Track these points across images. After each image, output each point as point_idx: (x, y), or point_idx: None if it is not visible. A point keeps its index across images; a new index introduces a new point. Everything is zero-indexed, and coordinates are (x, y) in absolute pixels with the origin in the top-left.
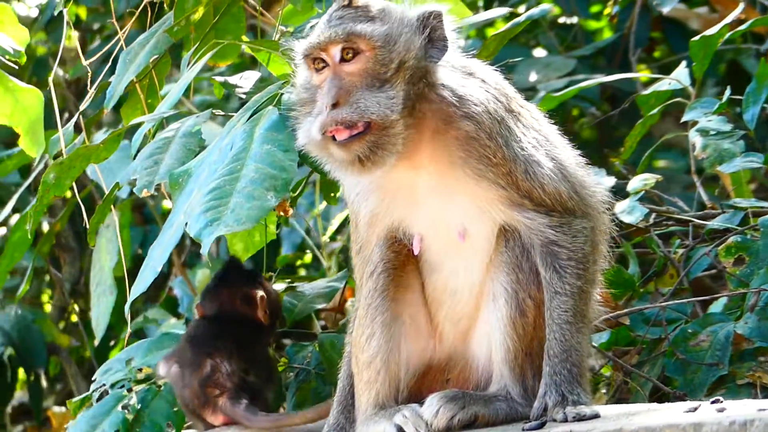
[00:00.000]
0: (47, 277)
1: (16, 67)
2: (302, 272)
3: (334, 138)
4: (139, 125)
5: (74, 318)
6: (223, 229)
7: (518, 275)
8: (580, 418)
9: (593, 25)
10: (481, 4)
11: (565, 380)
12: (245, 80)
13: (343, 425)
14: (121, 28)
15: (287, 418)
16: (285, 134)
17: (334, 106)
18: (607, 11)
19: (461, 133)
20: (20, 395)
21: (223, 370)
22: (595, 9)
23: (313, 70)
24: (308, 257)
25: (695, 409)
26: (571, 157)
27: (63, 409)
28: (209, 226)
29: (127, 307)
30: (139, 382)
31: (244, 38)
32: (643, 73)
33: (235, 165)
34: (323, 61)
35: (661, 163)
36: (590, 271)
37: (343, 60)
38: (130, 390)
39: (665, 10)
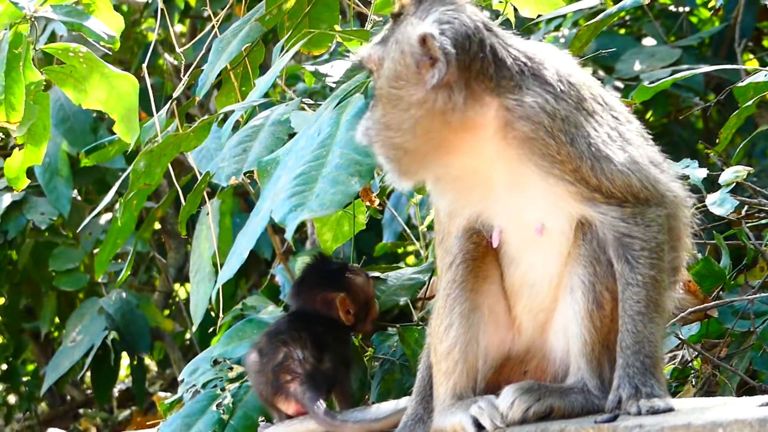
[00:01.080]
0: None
1: (110, 53)
2: (411, 260)
3: None
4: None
5: (179, 303)
6: (307, 214)
7: (596, 268)
8: (654, 411)
9: (703, 14)
10: None
11: (639, 372)
12: (335, 69)
13: (421, 415)
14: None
15: (349, 427)
16: None
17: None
18: (711, 4)
19: (519, 133)
20: (127, 381)
21: (295, 357)
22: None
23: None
24: (411, 246)
25: (767, 403)
26: (645, 150)
27: (168, 394)
28: (293, 211)
29: (213, 292)
30: (231, 380)
31: (337, 27)
32: (746, 63)
33: (321, 151)
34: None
35: None
36: (665, 260)
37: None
38: (223, 389)
39: None
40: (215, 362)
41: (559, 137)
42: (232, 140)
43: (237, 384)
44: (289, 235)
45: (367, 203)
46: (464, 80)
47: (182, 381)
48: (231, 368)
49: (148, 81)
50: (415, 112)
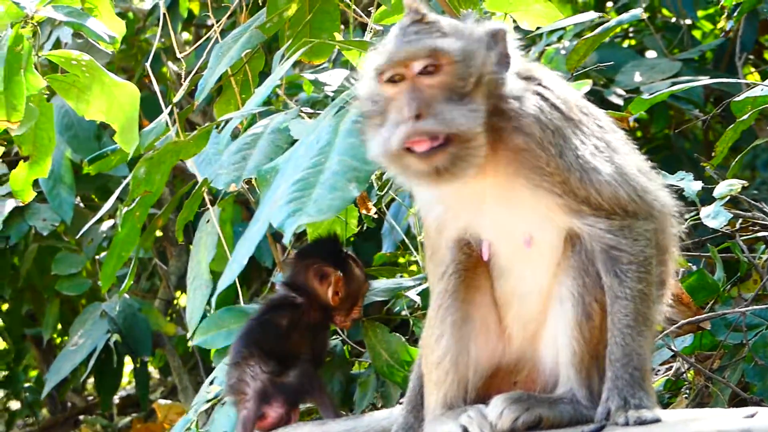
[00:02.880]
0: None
1: (111, 53)
2: (414, 269)
3: (409, 150)
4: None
5: (180, 310)
6: (305, 219)
7: (585, 279)
8: (642, 422)
9: (706, 27)
10: (593, 5)
11: (627, 384)
12: (334, 78)
13: (412, 424)
14: (219, 25)
15: None
16: None
17: (417, 117)
18: (720, 26)
19: (513, 145)
20: (128, 388)
21: (247, 375)
22: (705, 12)
23: (387, 83)
24: (411, 257)
25: (753, 415)
26: (634, 161)
27: (168, 401)
28: (291, 216)
29: (213, 299)
30: (208, 400)
31: (338, 36)
32: (746, 78)
33: (320, 158)
34: (399, 74)
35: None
36: (653, 273)
37: (422, 73)
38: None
39: None
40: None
41: (549, 149)
42: (232, 148)
43: (209, 404)
44: (287, 239)
45: (363, 211)
46: None
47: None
48: (209, 392)
49: (157, 88)
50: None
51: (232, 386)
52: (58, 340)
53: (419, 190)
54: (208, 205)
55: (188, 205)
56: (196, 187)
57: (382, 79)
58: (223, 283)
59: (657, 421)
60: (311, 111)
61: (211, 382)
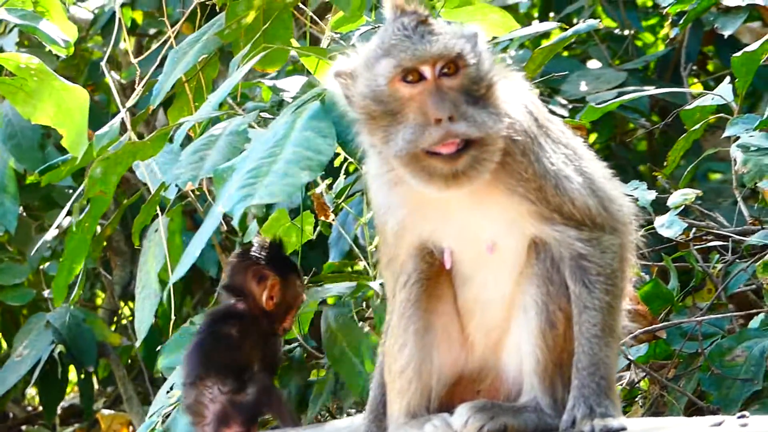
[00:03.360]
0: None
1: (63, 56)
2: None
3: (429, 152)
4: None
5: (124, 321)
6: (255, 201)
7: (548, 288)
8: (607, 430)
9: (648, 38)
10: (536, 15)
11: (594, 393)
12: (292, 84)
13: None
14: (174, 31)
15: None
16: (326, 122)
17: (450, 119)
18: (664, 32)
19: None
20: (69, 398)
21: (205, 396)
22: (648, 23)
23: (401, 83)
24: (359, 265)
25: (720, 423)
26: (599, 170)
27: (112, 411)
28: (242, 200)
29: (164, 294)
30: (171, 404)
31: (294, 43)
32: (690, 88)
33: (275, 149)
34: (419, 74)
35: (716, 176)
36: (619, 287)
37: (442, 75)
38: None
39: (726, 32)
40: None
41: (529, 156)
42: (189, 148)
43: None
44: (235, 221)
45: (322, 217)
46: None
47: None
48: (170, 396)
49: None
50: None
51: (190, 407)
52: None
53: (380, 193)
54: (159, 214)
55: (145, 209)
56: (153, 192)
57: (398, 79)
58: (175, 276)
59: (623, 429)
60: (269, 116)
61: (171, 388)
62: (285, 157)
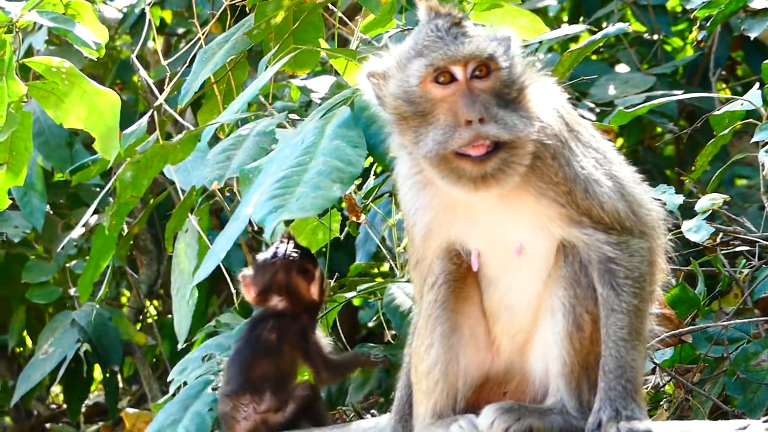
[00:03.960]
0: (125, 279)
1: (95, 59)
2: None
3: (458, 153)
4: None
5: (150, 320)
6: (286, 215)
7: (576, 290)
8: None
9: (677, 42)
10: (566, 18)
11: (620, 396)
12: (321, 84)
13: None
14: (204, 32)
15: None
16: (356, 131)
17: (481, 121)
18: (692, 36)
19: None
20: (94, 396)
21: (240, 412)
22: (677, 28)
23: (433, 84)
24: (384, 266)
25: (745, 427)
26: (628, 174)
27: (136, 410)
28: (273, 212)
29: (189, 288)
30: (221, 371)
31: (323, 44)
32: (719, 93)
33: (304, 158)
34: (451, 75)
35: (742, 181)
36: (647, 290)
37: (474, 77)
38: (216, 373)
39: (753, 35)
40: (204, 359)
41: (560, 160)
42: (217, 148)
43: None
44: (267, 235)
45: (353, 218)
46: None
47: (171, 380)
48: (219, 362)
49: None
50: None
51: (224, 416)
52: (20, 349)
53: (410, 194)
54: (189, 215)
55: (177, 214)
56: (185, 196)
57: (429, 79)
58: (198, 277)
59: None
60: (297, 117)
61: (209, 357)
62: (315, 168)
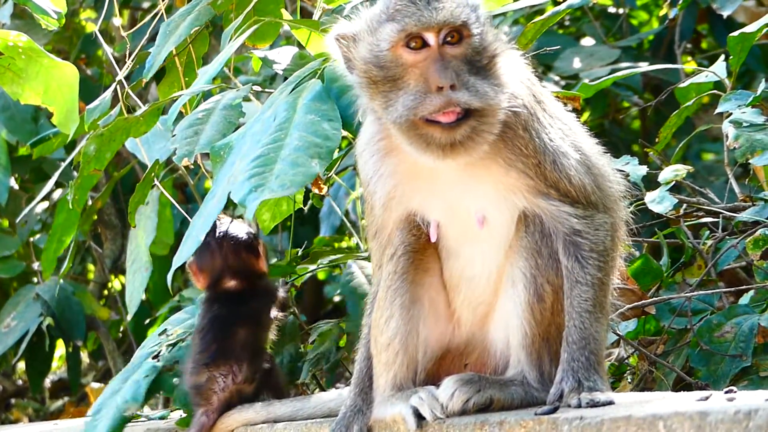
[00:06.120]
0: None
1: (55, 28)
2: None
3: (428, 120)
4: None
5: (114, 294)
6: (267, 194)
7: (537, 260)
8: (594, 404)
9: (642, 16)
10: None
11: (583, 367)
12: (283, 55)
13: (360, 407)
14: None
15: None
16: (329, 104)
17: (452, 87)
18: (662, 12)
19: (503, 124)
20: (60, 372)
21: (218, 384)
22: (642, 1)
23: (404, 48)
24: (351, 241)
25: (707, 398)
26: (592, 146)
27: (101, 385)
28: (254, 191)
29: (169, 276)
30: (172, 344)
31: (286, 15)
32: (684, 65)
33: (279, 134)
34: (423, 40)
35: (708, 156)
36: (610, 264)
37: (446, 43)
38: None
39: (725, 13)
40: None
41: (530, 131)
42: (183, 122)
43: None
44: (249, 214)
45: (315, 190)
46: None
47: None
48: (170, 334)
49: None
50: None
51: (198, 387)
52: None
53: (369, 162)
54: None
55: (141, 188)
56: (148, 170)
57: (401, 44)
58: (179, 259)
59: (610, 403)
60: (261, 90)
61: (164, 332)
62: (292, 144)
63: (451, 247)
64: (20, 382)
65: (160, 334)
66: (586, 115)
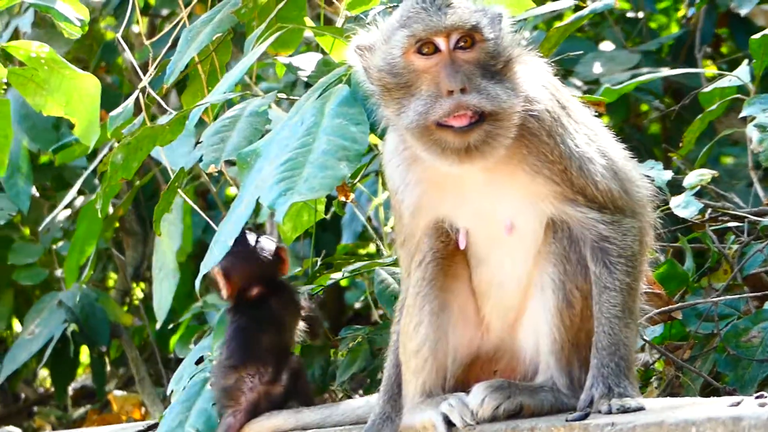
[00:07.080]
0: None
1: (78, 36)
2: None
3: (442, 125)
4: None
5: (136, 302)
6: (297, 197)
7: (565, 266)
8: (625, 410)
9: (662, 20)
10: None
11: (613, 373)
12: (308, 62)
13: (389, 414)
14: (187, 11)
15: None
16: (356, 108)
17: (462, 91)
18: (680, 13)
19: (524, 130)
20: (82, 379)
21: (245, 384)
22: (662, 5)
23: (416, 55)
24: (371, 247)
25: (738, 403)
26: (619, 151)
27: (124, 393)
28: (283, 195)
29: (197, 281)
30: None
31: (308, 22)
32: (705, 69)
33: (307, 138)
34: (434, 46)
35: (728, 159)
36: (638, 269)
37: (458, 48)
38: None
39: (743, 12)
40: (198, 361)
41: (555, 137)
42: (209, 130)
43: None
44: (279, 217)
45: (342, 198)
46: None
47: (171, 392)
48: (212, 360)
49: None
50: None
51: (226, 389)
52: (7, 333)
53: (398, 170)
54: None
55: (166, 196)
56: (173, 178)
57: (412, 51)
58: (207, 265)
59: (641, 409)
60: (286, 97)
61: (201, 359)
62: (320, 148)
63: (480, 254)
64: (41, 390)
65: (197, 363)
66: (606, 120)
